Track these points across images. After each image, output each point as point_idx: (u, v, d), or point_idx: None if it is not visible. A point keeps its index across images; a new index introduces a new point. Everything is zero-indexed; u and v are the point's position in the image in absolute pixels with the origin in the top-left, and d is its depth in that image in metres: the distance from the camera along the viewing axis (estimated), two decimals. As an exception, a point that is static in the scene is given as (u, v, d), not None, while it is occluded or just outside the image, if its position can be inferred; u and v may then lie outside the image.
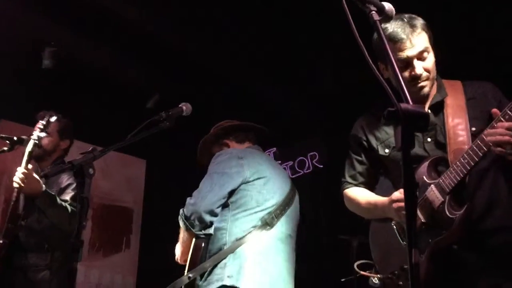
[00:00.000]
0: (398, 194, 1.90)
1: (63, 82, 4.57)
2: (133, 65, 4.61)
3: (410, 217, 0.93)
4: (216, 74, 4.58)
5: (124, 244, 5.34)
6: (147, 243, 5.42)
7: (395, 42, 1.88)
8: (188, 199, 2.25)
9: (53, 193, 2.79)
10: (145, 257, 5.35)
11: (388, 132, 2.09)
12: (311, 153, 5.39)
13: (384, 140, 2.09)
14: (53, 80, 4.43)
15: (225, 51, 4.41)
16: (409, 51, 1.89)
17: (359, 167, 2.21)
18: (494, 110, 1.72)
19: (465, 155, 1.74)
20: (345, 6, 1.26)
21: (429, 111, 1.97)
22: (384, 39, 1.21)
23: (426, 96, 1.98)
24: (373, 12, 1.29)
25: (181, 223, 2.24)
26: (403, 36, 1.88)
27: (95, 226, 5.04)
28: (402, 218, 1.89)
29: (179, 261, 2.38)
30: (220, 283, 2.12)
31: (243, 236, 2.22)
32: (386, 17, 1.34)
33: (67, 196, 2.88)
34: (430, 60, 1.94)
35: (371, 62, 1.17)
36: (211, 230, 2.23)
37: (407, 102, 1.02)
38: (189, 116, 2.30)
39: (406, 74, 1.92)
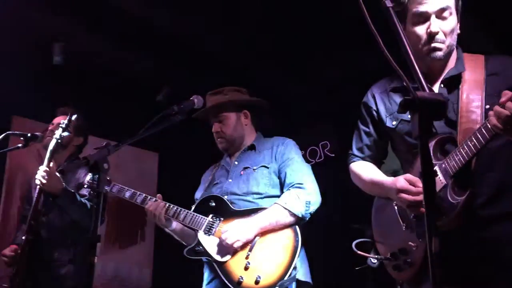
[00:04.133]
0: (404, 182, 1.74)
1: (74, 77, 4.59)
2: (143, 58, 4.61)
3: (429, 207, 0.91)
4: (226, 65, 4.57)
5: (139, 236, 5.40)
6: (161, 234, 5.45)
7: None
8: (302, 193, 2.57)
9: (72, 191, 2.81)
10: (160, 249, 5.39)
11: (398, 104, 1.97)
12: (323, 142, 5.36)
13: (393, 111, 1.93)
14: (64, 75, 4.45)
15: (235, 41, 4.39)
16: (428, 6, 1.74)
17: (366, 140, 2.08)
18: (505, 91, 1.52)
19: (472, 136, 1.58)
20: None
21: (442, 85, 1.82)
22: (397, 24, 1.19)
23: (440, 67, 1.83)
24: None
25: (301, 215, 2.55)
26: None
27: (111, 220, 5.08)
28: (404, 206, 1.77)
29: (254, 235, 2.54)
30: None
31: None
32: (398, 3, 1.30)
33: (85, 191, 2.88)
34: (450, 23, 1.77)
35: (383, 48, 1.14)
36: None
37: (423, 89, 1.00)
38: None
39: (422, 31, 1.76)
